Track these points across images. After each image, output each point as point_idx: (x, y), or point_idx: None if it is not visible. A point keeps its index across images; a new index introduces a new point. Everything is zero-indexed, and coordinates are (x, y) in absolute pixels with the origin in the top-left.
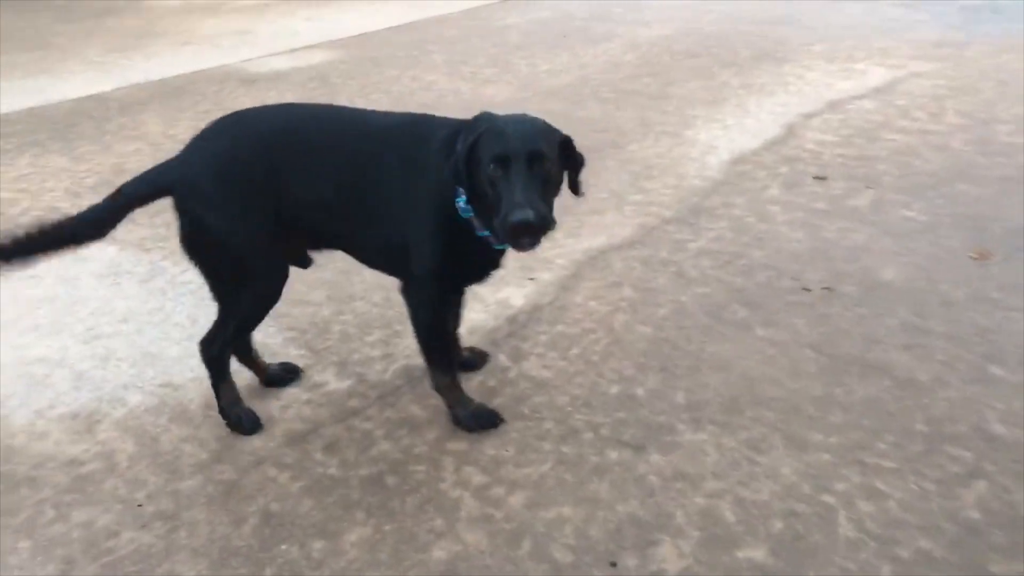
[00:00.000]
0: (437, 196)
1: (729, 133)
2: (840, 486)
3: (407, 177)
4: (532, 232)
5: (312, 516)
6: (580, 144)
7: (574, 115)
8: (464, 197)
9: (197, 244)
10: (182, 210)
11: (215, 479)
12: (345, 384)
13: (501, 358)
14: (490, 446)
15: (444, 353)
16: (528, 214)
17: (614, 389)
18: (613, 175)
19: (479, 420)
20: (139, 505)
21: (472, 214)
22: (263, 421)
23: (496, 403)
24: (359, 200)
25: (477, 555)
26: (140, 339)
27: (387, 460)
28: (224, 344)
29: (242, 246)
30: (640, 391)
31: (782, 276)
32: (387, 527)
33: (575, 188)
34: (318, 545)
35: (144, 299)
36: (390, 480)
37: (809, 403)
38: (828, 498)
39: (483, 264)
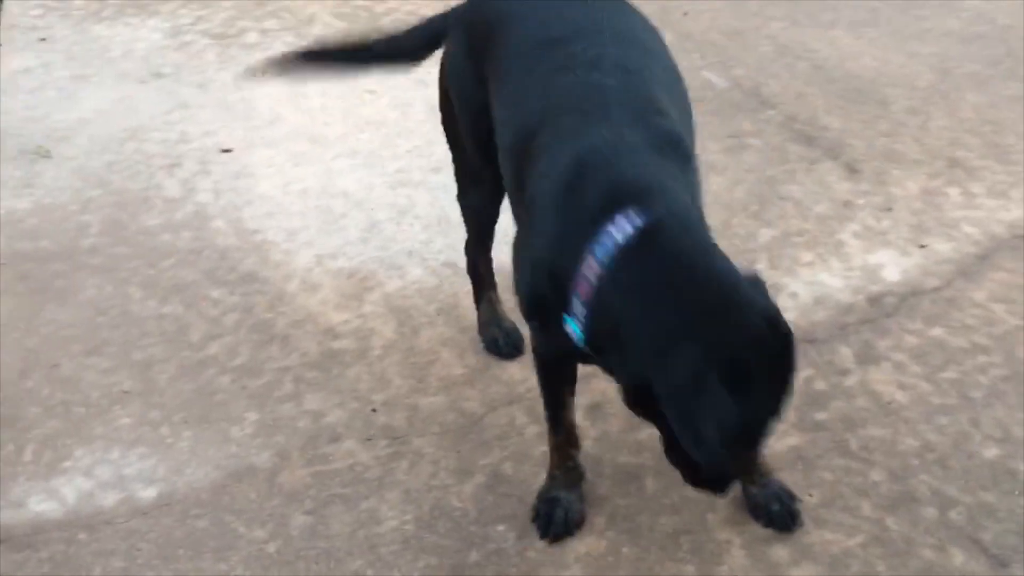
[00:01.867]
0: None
1: None
2: None
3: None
4: None
5: None
6: None
7: None
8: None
9: None
10: None
11: (458, 406)
12: None
13: (843, 352)
14: (788, 477)
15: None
16: None
17: (990, 452)
18: None
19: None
20: (373, 410)
21: None
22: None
23: (816, 418)
24: None
25: None
26: (444, 197)
27: (654, 453)
28: (473, 247)
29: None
30: None
31: None
32: (625, 550)
33: None
34: (540, 543)
35: None
36: (651, 483)
37: None
38: None
39: None
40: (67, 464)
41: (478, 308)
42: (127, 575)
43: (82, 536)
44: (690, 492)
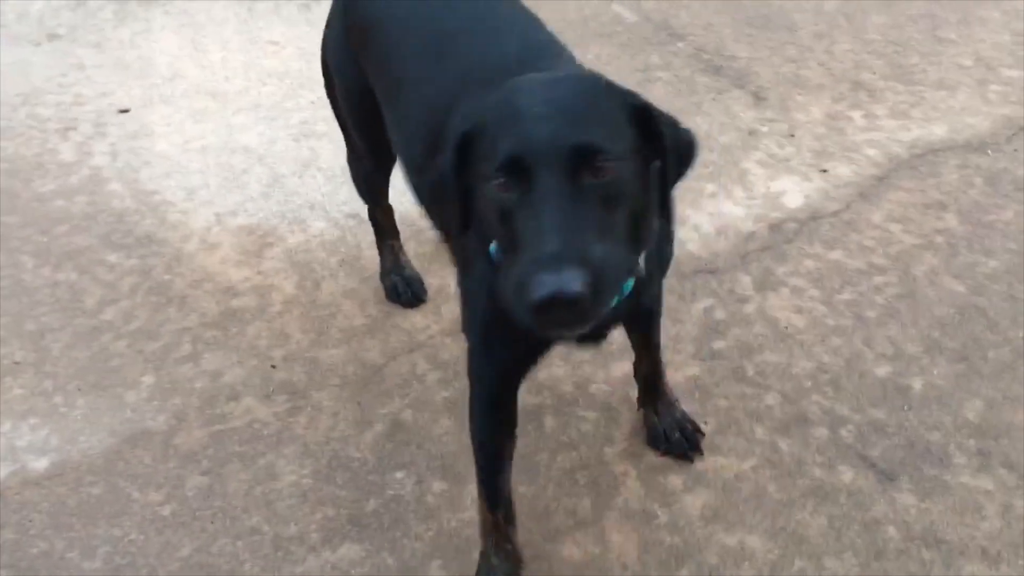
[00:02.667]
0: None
1: None
2: None
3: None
4: (574, 313)
5: (444, 443)
6: None
7: None
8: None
9: None
10: None
11: (359, 357)
12: None
13: (743, 280)
14: (686, 407)
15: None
16: (559, 280)
17: (882, 370)
18: (989, 31)
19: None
20: (272, 366)
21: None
22: (433, 295)
23: (714, 347)
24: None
25: (616, 569)
26: None
27: (554, 392)
28: (369, 201)
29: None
30: (918, 384)
31: None
32: (522, 489)
33: (664, 204)
34: (437, 487)
35: None
36: (549, 421)
37: None
38: None
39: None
40: None
41: (380, 256)
42: (19, 548)
43: None
44: (586, 426)
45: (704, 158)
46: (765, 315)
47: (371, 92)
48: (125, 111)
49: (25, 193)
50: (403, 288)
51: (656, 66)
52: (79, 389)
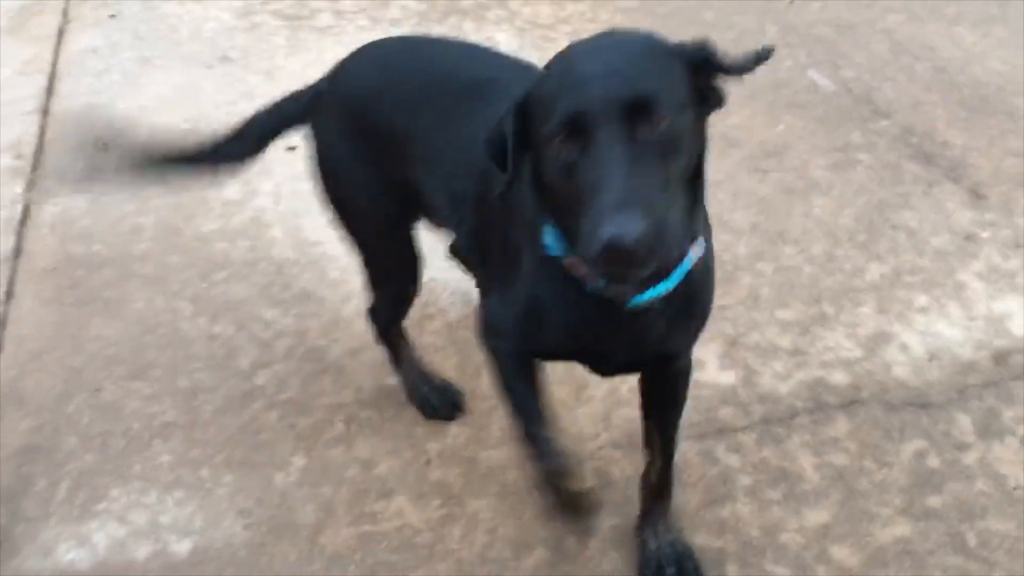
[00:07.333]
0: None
1: None
2: None
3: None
4: (639, 258)
5: None
6: None
7: None
8: (551, 225)
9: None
10: None
11: (520, 463)
12: None
13: (962, 421)
14: (888, 573)
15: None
16: (624, 222)
17: None
18: None
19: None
20: (427, 462)
21: (566, 253)
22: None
23: (928, 503)
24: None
25: None
26: None
27: (738, 536)
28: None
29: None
30: None
31: None
32: None
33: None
34: None
35: None
36: (732, 572)
37: None
38: None
39: (601, 335)
40: (101, 506)
41: (398, 372)
42: None
43: None
44: None
45: (913, 263)
46: (989, 469)
47: (394, 185)
48: (292, 149)
49: (188, 231)
50: (437, 400)
51: (856, 146)
52: (227, 463)
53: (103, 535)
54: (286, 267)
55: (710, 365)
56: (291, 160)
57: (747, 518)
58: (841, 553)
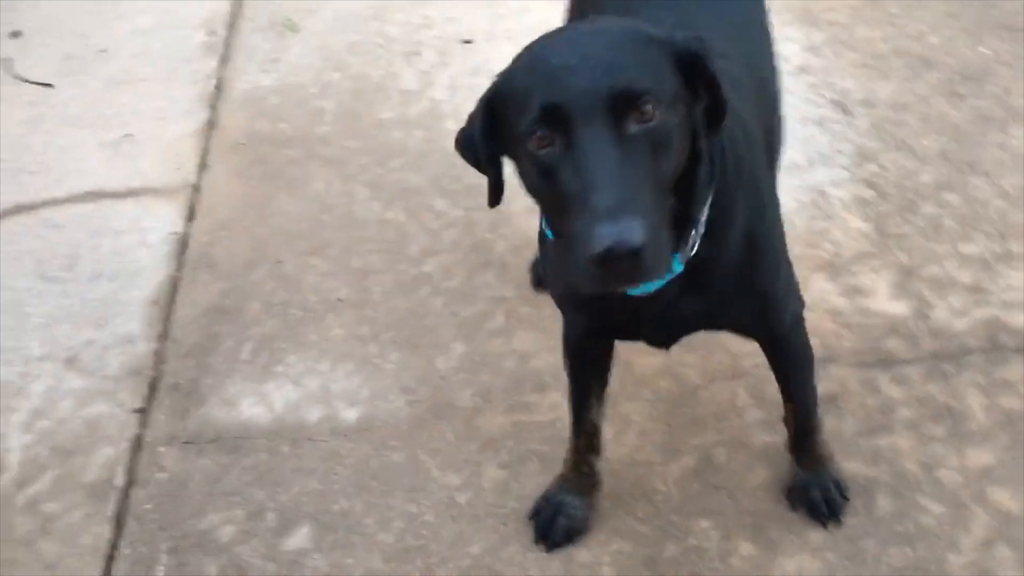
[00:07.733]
0: None
1: None
2: None
3: None
4: (637, 265)
5: (759, 498)
6: None
7: None
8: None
9: None
10: None
11: (674, 371)
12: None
13: None
14: None
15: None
16: (619, 230)
17: None
18: None
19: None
20: None
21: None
22: None
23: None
24: None
25: None
26: None
27: (893, 467)
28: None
29: None
30: None
31: None
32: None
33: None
34: (745, 550)
35: None
36: (883, 502)
37: None
38: None
39: (622, 315)
40: (280, 368)
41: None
42: (323, 500)
43: (285, 448)
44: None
45: None
46: None
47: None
48: (468, 42)
49: (367, 117)
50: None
51: None
52: (394, 341)
53: (280, 396)
54: (457, 160)
55: (880, 293)
56: (467, 53)
57: (905, 451)
58: (1001, 496)
